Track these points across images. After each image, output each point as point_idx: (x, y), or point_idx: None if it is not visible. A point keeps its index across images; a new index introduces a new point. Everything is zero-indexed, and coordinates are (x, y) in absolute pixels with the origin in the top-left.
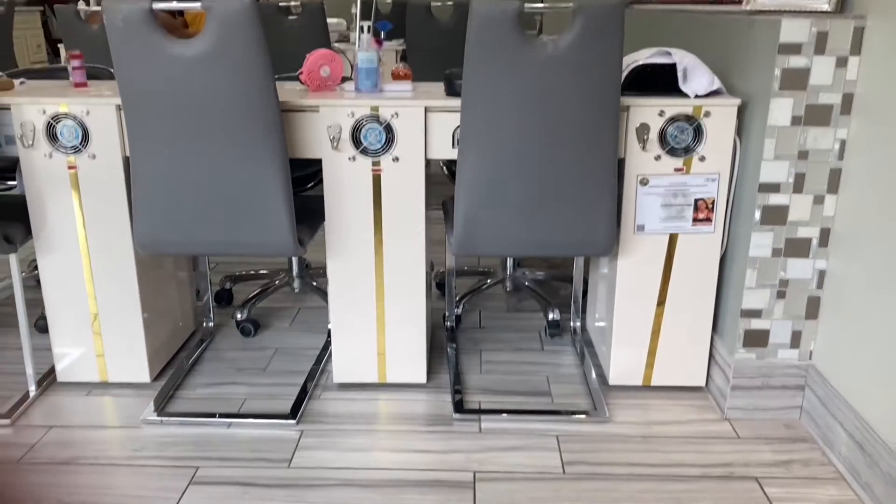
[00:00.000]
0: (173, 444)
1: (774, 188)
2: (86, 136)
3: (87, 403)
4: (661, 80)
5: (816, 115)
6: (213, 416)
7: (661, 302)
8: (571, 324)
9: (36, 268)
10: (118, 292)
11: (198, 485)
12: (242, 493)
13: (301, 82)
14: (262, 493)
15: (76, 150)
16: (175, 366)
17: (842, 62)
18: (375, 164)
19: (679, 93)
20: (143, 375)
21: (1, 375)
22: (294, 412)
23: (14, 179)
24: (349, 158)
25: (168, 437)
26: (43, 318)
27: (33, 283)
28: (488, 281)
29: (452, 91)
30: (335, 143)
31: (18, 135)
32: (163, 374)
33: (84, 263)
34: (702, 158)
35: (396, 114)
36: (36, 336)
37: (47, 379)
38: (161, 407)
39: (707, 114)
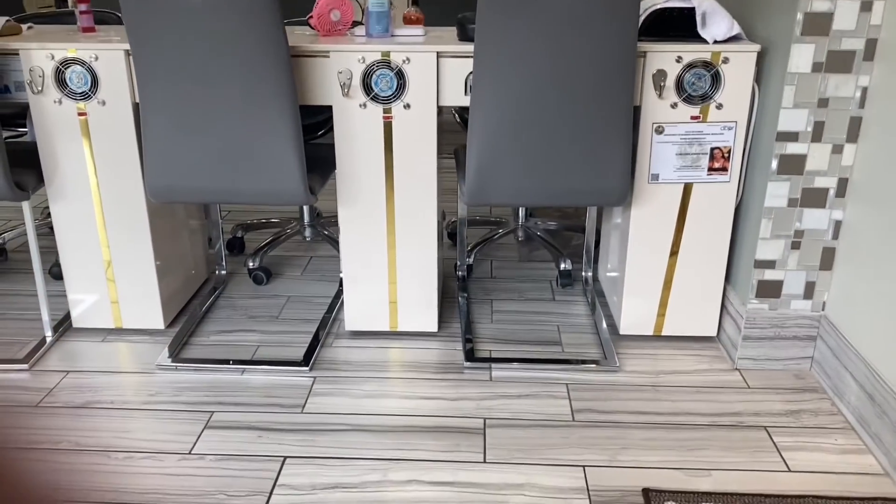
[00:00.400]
0: (188, 389)
1: (792, 137)
2: (95, 82)
3: (102, 349)
4: (679, 25)
5: (838, 62)
6: (226, 362)
7: (673, 252)
8: (583, 274)
9: (49, 215)
10: (131, 240)
11: (213, 429)
12: (257, 437)
13: (311, 27)
14: (277, 436)
15: (85, 96)
16: (188, 313)
17: (866, 6)
18: (386, 111)
19: (697, 38)
20: (158, 322)
21: (17, 321)
22: (306, 359)
23: (25, 126)
24: (360, 105)
25: (183, 383)
26: (57, 265)
27: (46, 231)
28: (500, 231)
29: (465, 36)
30: (346, 90)
31: (27, 80)
32: (177, 320)
33: (96, 211)
34: (719, 106)
35: (408, 59)
36: (51, 283)
37: (63, 325)
38: (175, 353)
39: (726, 60)
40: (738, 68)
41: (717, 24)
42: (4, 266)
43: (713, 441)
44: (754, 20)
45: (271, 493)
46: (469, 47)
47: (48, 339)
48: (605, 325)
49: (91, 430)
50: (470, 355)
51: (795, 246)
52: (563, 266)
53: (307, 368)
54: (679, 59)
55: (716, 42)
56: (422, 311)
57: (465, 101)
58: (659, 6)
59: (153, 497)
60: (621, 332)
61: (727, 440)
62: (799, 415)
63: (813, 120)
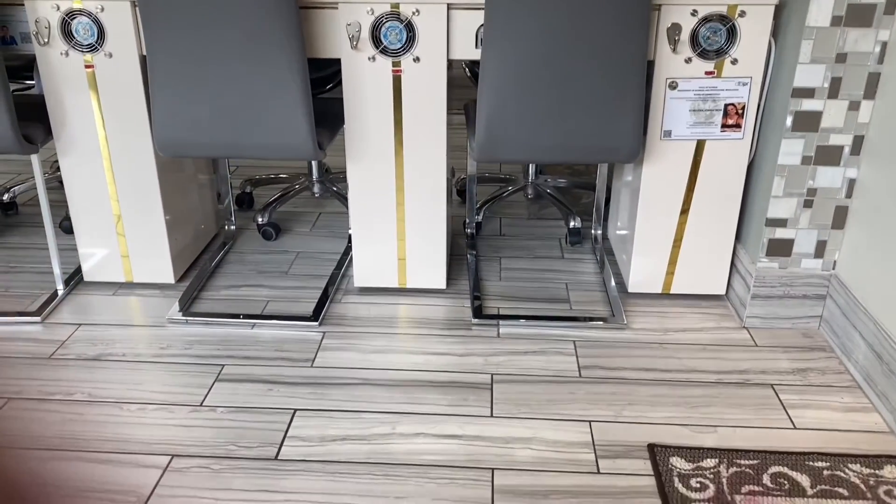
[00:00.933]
0: (199, 342)
1: (808, 93)
2: (101, 34)
3: (113, 302)
4: None
5: (858, 15)
6: (237, 316)
7: (684, 210)
8: (592, 232)
9: (58, 168)
10: (140, 194)
11: (224, 381)
12: (267, 390)
13: None
14: (287, 389)
15: (92, 48)
16: (198, 267)
17: None
18: (396, 64)
19: None
20: (168, 276)
21: (29, 275)
22: (316, 314)
23: (32, 79)
24: (369, 59)
25: (193, 336)
26: (67, 218)
27: (56, 184)
28: (509, 188)
29: None
30: (354, 43)
31: (33, 32)
32: (187, 275)
33: (105, 165)
34: (734, 61)
35: (417, 11)
36: (61, 236)
37: (74, 278)
38: (186, 307)
39: (742, 13)
40: (755, 22)
41: None
42: (15, 220)
43: (719, 398)
44: None
45: (281, 444)
46: None
47: (60, 293)
48: (613, 282)
49: (104, 381)
50: (478, 312)
51: (808, 204)
52: (572, 224)
53: (317, 323)
54: (694, 13)
55: None
56: (430, 268)
57: (475, 55)
58: None
59: (165, 447)
60: (630, 290)
61: (733, 397)
62: (806, 373)
63: (830, 76)
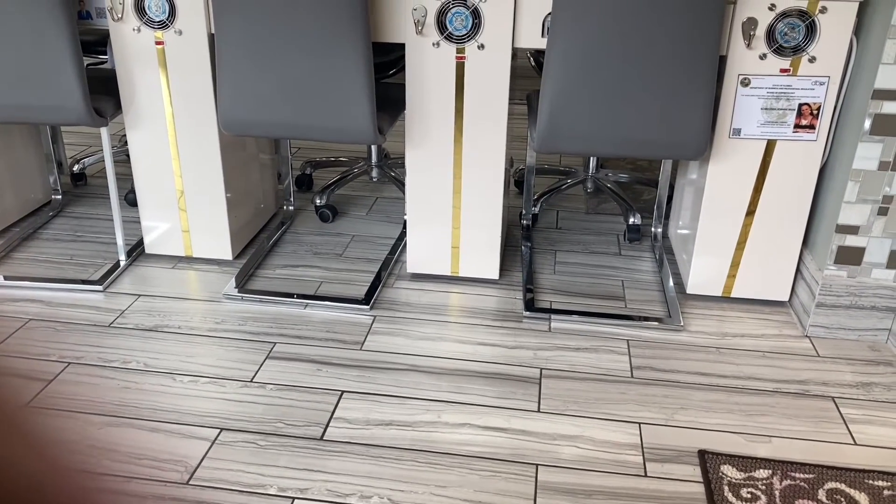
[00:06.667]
0: (252, 319)
1: (890, 95)
2: (173, 11)
3: (172, 276)
4: None
5: None
6: (290, 296)
7: (750, 212)
8: (652, 229)
9: (126, 142)
10: (203, 171)
11: (274, 359)
12: (316, 370)
13: None
14: (335, 371)
15: (163, 25)
16: (256, 245)
17: None
18: (460, 51)
19: None
20: (226, 253)
21: (93, 244)
22: (367, 298)
23: (105, 53)
24: (433, 44)
25: (247, 313)
26: (132, 191)
27: (123, 158)
28: (568, 181)
29: None
30: (419, 28)
31: (108, 7)
32: (244, 252)
33: (171, 141)
34: (812, 59)
35: None
36: (126, 209)
37: (136, 250)
38: (242, 284)
39: (823, 10)
40: (837, 19)
41: None
42: (83, 190)
43: (776, 408)
44: None
45: (327, 424)
46: None
47: (122, 263)
48: (671, 283)
49: (159, 352)
50: (530, 305)
51: (882, 212)
52: (631, 220)
53: (368, 307)
54: (772, 7)
55: None
56: (484, 258)
57: (541, 44)
58: None
59: (214, 420)
60: (688, 291)
61: (791, 408)
62: (870, 387)
63: None
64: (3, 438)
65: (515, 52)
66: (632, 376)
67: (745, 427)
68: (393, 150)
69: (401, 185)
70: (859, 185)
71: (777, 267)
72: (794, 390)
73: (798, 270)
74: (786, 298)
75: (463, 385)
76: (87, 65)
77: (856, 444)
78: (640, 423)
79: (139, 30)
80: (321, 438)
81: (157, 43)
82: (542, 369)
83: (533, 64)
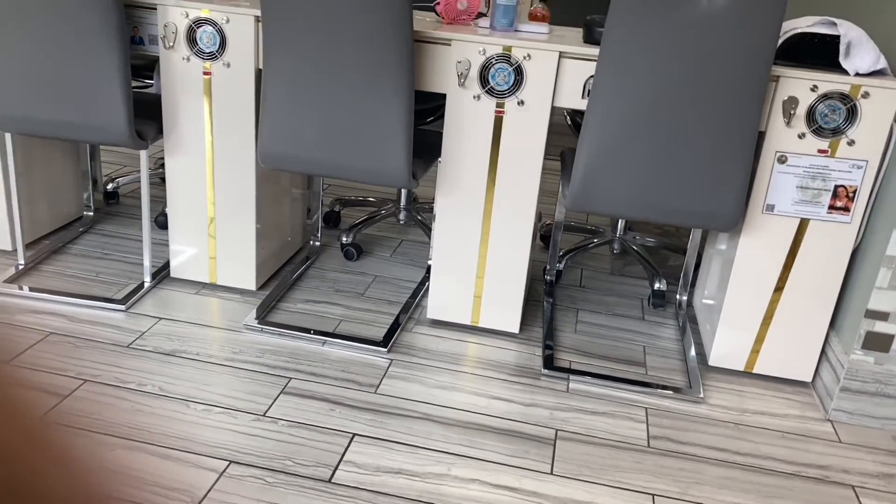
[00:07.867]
0: (270, 352)
1: None
2: (223, 44)
3: (195, 301)
4: (819, 52)
5: None
6: (309, 331)
7: (778, 288)
8: (677, 297)
9: (163, 166)
10: (236, 201)
11: (289, 394)
12: (329, 410)
13: (437, 13)
14: (349, 413)
15: (213, 56)
16: (280, 278)
17: None
18: (500, 105)
19: (837, 68)
20: (250, 283)
21: (120, 263)
22: (386, 341)
23: (151, 78)
24: (474, 97)
25: (266, 345)
26: (163, 214)
27: (158, 181)
28: (595, 240)
29: (591, 38)
30: (462, 80)
31: (161, 35)
32: (268, 284)
33: (208, 169)
34: (850, 142)
35: (529, 56)
36: (155, 231)
37: (161, 273)
38: (262, 315)
39: (866, 95)
40: (879, 105)
41: (861, 56)
42: (115, 209)
43: (794, 491)
44: None
45: (336, 467)
46: (593, 50)
47: (146, 285)
48: (693, 352)
49: (175, 377)
50: (549, 362)
51: None
52: (657, 285)
53: (385, 350)
54: (814, 88)
55: (858, 74)
56: (505, 310)
57: (581, 105)
58: (801, 30)
59: (224, 452)
60: (710, 363)
61: (810, 493)
62: (892, 479)
63: None
64: (22, 450)
65: (553, 109)
66: (648, 446)
67: None
68: (422, 195)
69: (427, 229)
70: (893, 271)
71: (802, 346)
72: (814, 475)
73: (823, 352)
74: (809, 379)
75: (475, 439)
76: (133, 87)
77: None
78: (653, 495)
79: (188, 59)
80: (329, 480)
81: (205, 73)
82: (557, 430)
83: (569, 122)
